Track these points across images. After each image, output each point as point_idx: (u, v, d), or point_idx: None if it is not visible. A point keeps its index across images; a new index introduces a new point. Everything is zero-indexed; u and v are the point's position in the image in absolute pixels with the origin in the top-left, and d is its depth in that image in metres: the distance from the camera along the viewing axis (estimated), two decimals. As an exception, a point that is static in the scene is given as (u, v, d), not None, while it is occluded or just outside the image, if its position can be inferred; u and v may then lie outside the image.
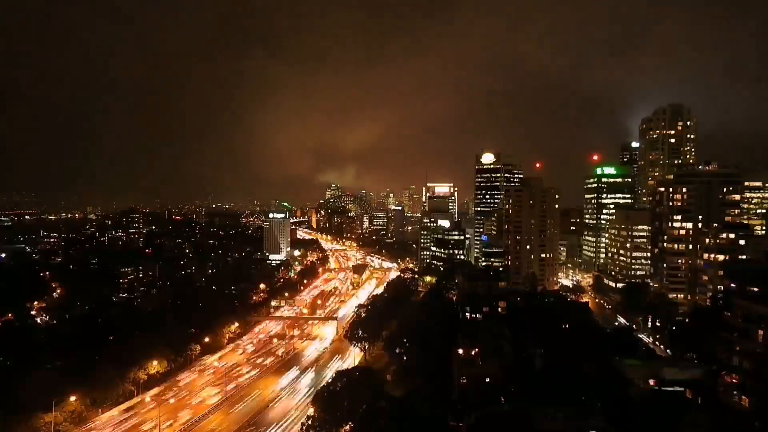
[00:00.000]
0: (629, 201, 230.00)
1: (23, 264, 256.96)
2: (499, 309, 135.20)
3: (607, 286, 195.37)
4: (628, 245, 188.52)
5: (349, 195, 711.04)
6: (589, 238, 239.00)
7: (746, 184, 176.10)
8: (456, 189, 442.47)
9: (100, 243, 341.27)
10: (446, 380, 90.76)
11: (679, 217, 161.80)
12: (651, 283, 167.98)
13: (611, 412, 64.87)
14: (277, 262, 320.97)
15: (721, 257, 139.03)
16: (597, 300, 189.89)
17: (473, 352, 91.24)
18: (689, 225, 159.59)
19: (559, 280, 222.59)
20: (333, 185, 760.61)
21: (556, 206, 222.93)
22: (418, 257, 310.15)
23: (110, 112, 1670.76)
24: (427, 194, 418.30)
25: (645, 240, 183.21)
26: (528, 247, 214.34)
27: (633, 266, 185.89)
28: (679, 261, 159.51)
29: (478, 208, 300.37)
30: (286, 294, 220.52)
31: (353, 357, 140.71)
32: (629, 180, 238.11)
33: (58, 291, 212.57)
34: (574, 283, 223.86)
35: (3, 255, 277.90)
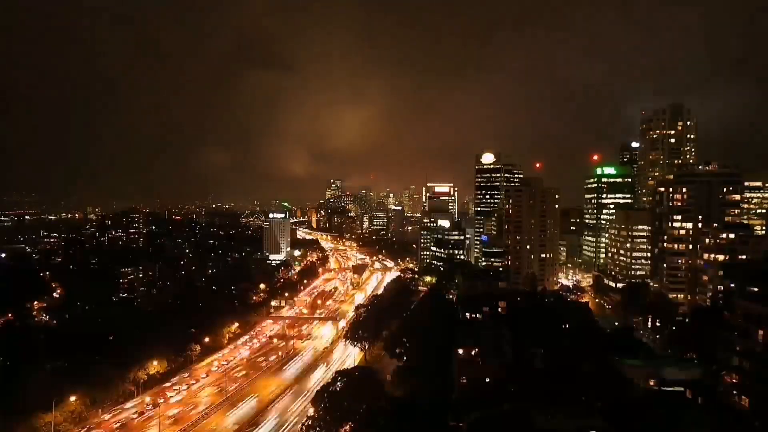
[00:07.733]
0: (629, 201, 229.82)
1: (23, 264, 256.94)
2: (499, 309, 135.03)
3: (607, 286, 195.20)
4: (628, 245, 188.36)
5: (349, 195, 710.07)
6: (589, 238, 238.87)
7: (746, 184, 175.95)
8: (456, 189, 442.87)
9: (100, 243, 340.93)
10: (446, 380, 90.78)
11: (679, 217, 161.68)
12: (651, 283, 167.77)
13: (611, 412, 64.87)
14: (277, 262, 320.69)
15: (721, 257, 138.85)
16: (597, 300, 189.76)
17: (473, 352, 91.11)
18: (689, 225, 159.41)
19: (559, 280, 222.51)
20: (333, 185, 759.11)
21: (556, 206, 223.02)
22: (418, 257, 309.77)
23: (110, 112, 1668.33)
24: (427, 194, 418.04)
25: (645, 240, 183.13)
26: (528, 247, 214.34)
27: (633, 266, 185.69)
28: (679, 261, 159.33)
29: (478, 208, 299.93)
30: (286, 294, 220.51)
31: (353, 357, 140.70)
32: (629, 180, 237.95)
33: (58, 291, 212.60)
34: (574, 283, 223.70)
35: (3, 255, 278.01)
